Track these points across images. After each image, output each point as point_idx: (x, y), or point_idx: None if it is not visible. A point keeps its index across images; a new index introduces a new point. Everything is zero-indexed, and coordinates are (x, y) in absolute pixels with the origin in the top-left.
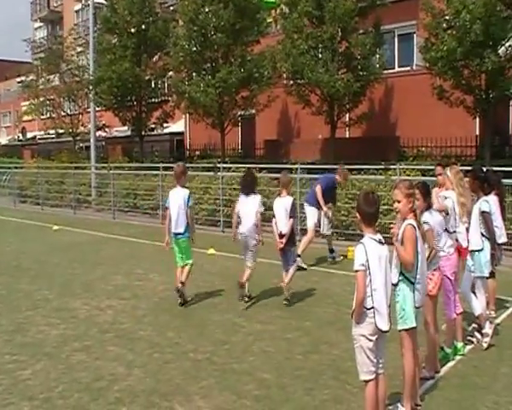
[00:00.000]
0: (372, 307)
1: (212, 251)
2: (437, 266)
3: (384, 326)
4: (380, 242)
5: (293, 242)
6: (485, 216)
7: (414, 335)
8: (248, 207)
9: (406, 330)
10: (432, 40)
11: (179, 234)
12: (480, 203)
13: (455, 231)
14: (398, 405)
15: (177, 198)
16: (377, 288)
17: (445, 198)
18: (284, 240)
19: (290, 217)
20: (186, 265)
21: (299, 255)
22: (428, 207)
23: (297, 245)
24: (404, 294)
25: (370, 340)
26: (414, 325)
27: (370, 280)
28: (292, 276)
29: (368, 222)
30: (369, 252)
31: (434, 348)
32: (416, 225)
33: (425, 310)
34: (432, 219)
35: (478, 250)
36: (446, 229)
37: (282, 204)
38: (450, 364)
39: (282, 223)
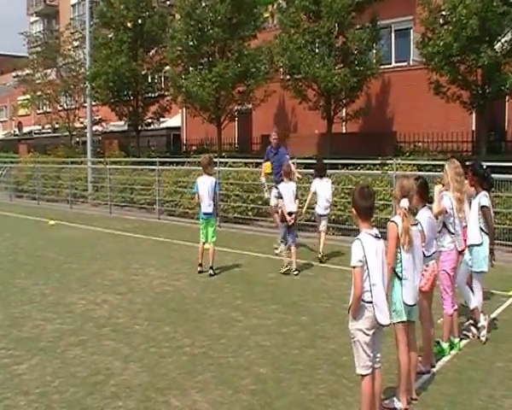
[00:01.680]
0: (371, 302)
1: (208, 246)
2: (429, 263)
3: (384, 320)
4: (376, 236)
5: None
6: (485, 211)
7: (408, 329)
8: (325, 189)
9: (399, 323)
10: (428, 35)
11: (209, 214)
12: (480, 198)
13: (454, 234)
14: (394, 399)
15: (206, 184)
16: (376, 283)
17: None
18: (293, 217)
19: (296, 198)
20: (211, 243)
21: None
22: (424, 205)
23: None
24: (394, 288)
25: (367, 334)
26: (404, 318)
27: (368, 275)
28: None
29: (364, 216)
30: (367, 247)
31: (429, 342)
32: (398, 223)
33: (419, 305)
34: (423, 219)
35: (477, 245)
36: (445, 226)
37: (289, 188)
38: (446, 358)
39: (291, 203)
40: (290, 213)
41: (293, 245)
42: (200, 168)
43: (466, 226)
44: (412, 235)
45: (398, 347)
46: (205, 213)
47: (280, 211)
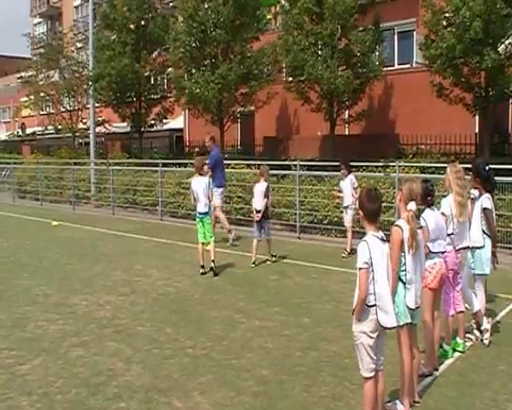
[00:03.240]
0: (375, 305)
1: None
2: (437, 261)
3: (390, 323)
4: (382, 239)
5: (267, 217)
6: (487, 213)
7: (411, 332)
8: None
9: (402, 326)
10: (432, 37)
11: (205, 213)
12: (482, 200)
13: (452, 233)
14: (397, 402)
15: (201, 184)
16: (381, 285)
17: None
18: (260, 215)
19: (265, 197)
20: (210, 241)
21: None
22: (429, 206)
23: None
24: (397, 291)
25: (371, 337)
26: (407, 321)
27: (373, 277)
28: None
29: (371, 219)
30: (373, 249)
31: (432, 344)
32: (403, 226)
33: (423, 305)
34: (429, 219)
35: (479, 247)
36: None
37: (259, 188)
38: (449, 361)
39: (259, 202)
40: (257, 211)
41: (266, 240)
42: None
43: None
44: (417, 238)
45: (401, 349)
46: (200, 213)
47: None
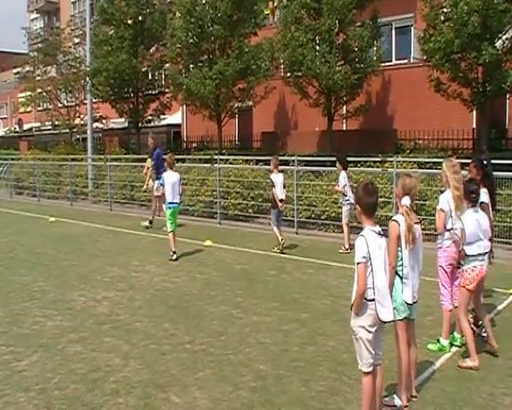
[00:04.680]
0: (373, 299)
1: (208, 243)
2: (477, 264)
3: (387, 317)
4: (379, 234)
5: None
6: (484, 207)
7: (408, 326)
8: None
9: (399, 320)
10: (430, 31)
11: (177, 203)
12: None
13: (452, 228)
14: (394, 396)
15: (173, 178)
16: (379, 279)
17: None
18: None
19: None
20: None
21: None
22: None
23: None
24: (394, 286)
25: (370, 331)
26: (404, 316)
27: (372, 271)
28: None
29: (368, 213)
30: (371, 244)
31: (471, 337)
32: (400, 221)
33: (458, 302)
34: (468, 221)
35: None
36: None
37: (280, 179)
38: (447, 356)
39: (282, 192)
40: (281, 200)
41: (275, 226)
42: (204, 166)
43: None
44: (415, 233)
45: (398, 344)
46: (173, 203)
47: None
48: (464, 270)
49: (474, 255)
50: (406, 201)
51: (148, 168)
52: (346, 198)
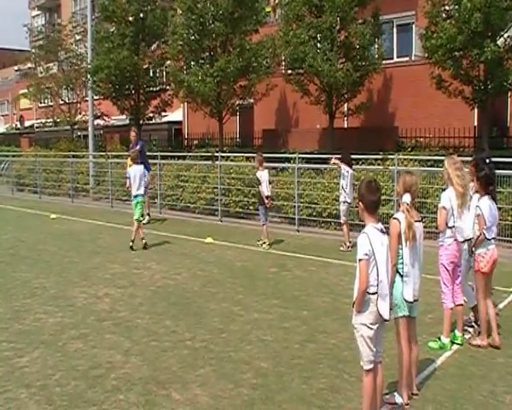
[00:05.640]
0: (376, 293)
1: (209, 240)
2: (490, 247)
3: (387, 314)
4: (381, 231)
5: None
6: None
7: (409, 324)
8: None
9: (400, 318)
10: (432, 28)
11: (141, 195)
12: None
13: (454, 226)
14: (395, 394)
15: (137, 171)
16: (381, 276)
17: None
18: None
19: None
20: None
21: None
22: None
23: None
24: (395, 284)
25: (371, 329)
26: (405, 313)
27: (374, 268)
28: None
29: (371, 210)
30: (373, 241)
31: (485, 319)
32: (400, 220)
33: (476, 286)
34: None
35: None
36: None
37: (265, 176)
38: (448, 353)
39: (268, 189)
40: (268, 197)
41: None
42: (205, 163)
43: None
44: (415, 230)
45: (399, 342)
46: (136, 195)
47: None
48: (478, 254)
49: (490, 239)
50: (407, 198)
51: (130, 166)
52: (343, 197)
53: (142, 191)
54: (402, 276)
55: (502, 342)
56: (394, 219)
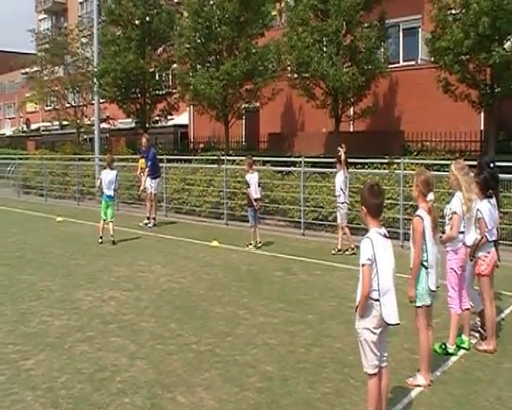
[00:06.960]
0: (378, 300)
1: (215, 243)
2: (490, 250)
3: (392, 319)
4: (385, 236)
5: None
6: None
7: (428, 313)
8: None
9: (421, 307)
10: (438, 32)
11: (111, 197)
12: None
13: (463, 231)
14: (417, 375)
15: (110, 175)
16: (384, 281)
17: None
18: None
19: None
20: (111, 221)
21: (153, 218)
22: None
23: None
24: (420, 278)
25: (375, 333)
26: (426, 303)
27: (377, 272)
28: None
29: (374, 214)
30: (376, 246)
31: (492, 324)
32: (423, 216)
33: (480, 289)
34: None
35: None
36: None
37: (255, 179)
38: (454, 358)
39: (257, 191)
40: (256, 200)
41: (256, 228)
42: (211, 166)
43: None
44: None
45: (419, 329)
46: (107, 196)
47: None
48: (478, 257)
49: (490, 241)
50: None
51: (141, 168)
52: (343, 198)
53: (111, 193)
54: (427, 268)
55: (507, 346)
56: (417, 216)
